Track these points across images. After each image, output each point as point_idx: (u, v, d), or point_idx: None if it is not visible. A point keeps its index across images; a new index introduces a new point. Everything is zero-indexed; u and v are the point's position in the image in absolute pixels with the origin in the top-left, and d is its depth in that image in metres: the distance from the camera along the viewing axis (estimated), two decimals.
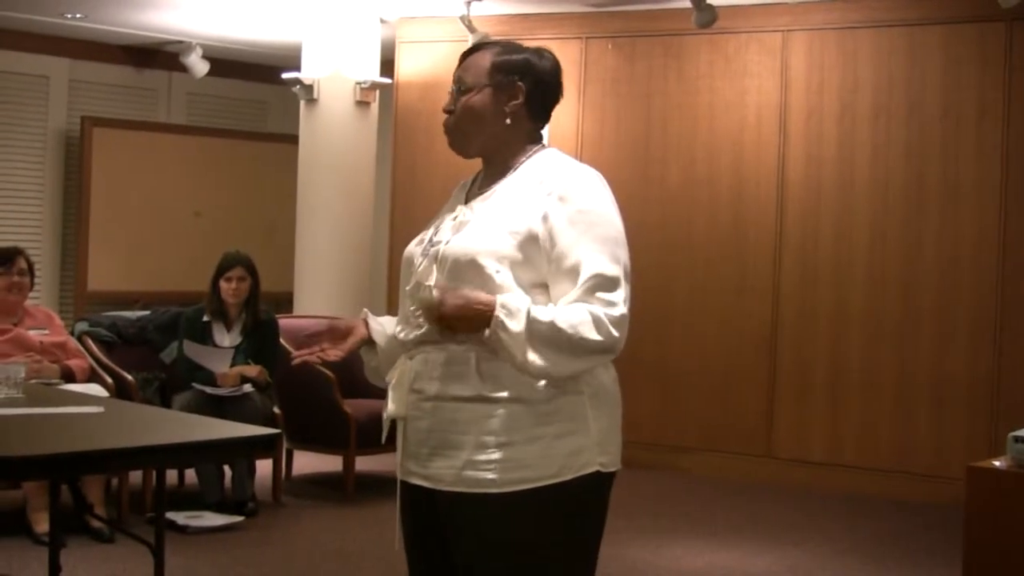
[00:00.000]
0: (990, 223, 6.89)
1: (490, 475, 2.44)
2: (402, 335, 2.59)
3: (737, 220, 7.52)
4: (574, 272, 2.43)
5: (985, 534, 3.96)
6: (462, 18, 7.72)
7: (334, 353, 2.61)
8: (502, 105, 2.57)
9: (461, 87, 2.59)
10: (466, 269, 2.46)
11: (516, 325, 2.37)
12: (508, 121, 2.58)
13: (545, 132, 2.69)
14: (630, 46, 7.84)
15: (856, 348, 7.20)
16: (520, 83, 2.58)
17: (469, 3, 7.68)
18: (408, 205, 8.31)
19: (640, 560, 5.52)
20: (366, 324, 2.67)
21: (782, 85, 7.42)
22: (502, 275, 2.45)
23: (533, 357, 2.38)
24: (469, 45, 7.84)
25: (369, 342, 2.67)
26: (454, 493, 2.48)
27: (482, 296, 2.41)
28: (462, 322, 2.41)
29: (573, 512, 2.49)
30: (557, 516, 2.47)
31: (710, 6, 7.18)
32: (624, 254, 2.48)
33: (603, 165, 2.69)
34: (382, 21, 8.33)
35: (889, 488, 6.98)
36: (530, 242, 2.46)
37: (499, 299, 2.40)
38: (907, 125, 7.10)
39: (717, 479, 7.37)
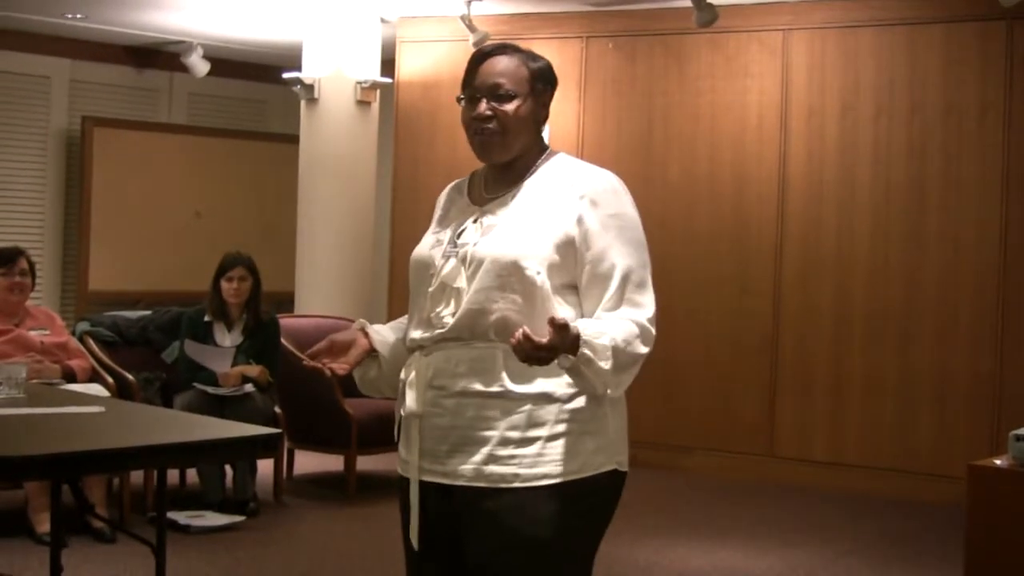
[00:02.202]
0: (992, 222, 6.89)
1: (513, 470, 2.46)
2: (418, 335, 2.57)
3: (738, 219, 7.51)
4: (608, 275, 2.48)
5: (986, 533, 3.95)
6: (462, 18, 7.71)
7: (340, 368, 2.60)
8: (538, 113, 2.61)
9: (500, 93, 2.56)
10: (508, 271, 2.47)
11: (604, 364, 2.38)
12: (538, 128, 2.63)
13: (546, 131, 2.70)
14: (631, 46, 7.83)
15: (858, 347, 7.20)
16: (550, 91, 2.64)
17: (469, 3, 7.66)
18: (409, 204, 8.30)
19: (643, 559, 5.52)
20: (366, 334, 2.66)
21: (783, 84, 7.41)
22: (542, 277, 2.48)
23: (612, 388, 2.44)
24: (471, 44, 7.80)
25: (370, 352, 2.65)
26: (474, 488, 2.48)
27: (557, 321, 2.32)
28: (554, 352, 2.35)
29: (590, 509, 2.52)
30: (576, 512, 2.49)
31: (711, 5, 7.18)
32: (648, 256, 2.56)
33: (604, 164, 2.69)
34: (383, 21, 8.33)
35: (891, 487, 6.97)
36: (566, 245, 2.50)
37: (582, 334, 2.35)
38: (908, 124, 7.10)
39: (719, 478, 7.37)
